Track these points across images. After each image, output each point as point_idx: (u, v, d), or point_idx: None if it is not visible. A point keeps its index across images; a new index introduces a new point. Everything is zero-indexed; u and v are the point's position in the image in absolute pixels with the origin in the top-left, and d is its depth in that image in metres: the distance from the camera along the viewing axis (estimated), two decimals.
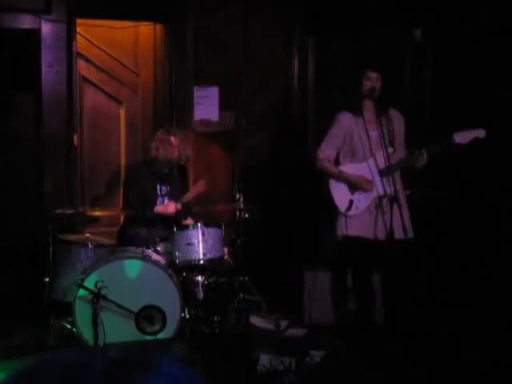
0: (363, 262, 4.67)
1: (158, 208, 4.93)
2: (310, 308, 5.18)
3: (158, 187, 5.03)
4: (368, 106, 4.65)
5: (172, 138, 4.97)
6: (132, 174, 5.11)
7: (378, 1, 6.15)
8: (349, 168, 4.69)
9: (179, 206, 4.96)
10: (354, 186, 4.64)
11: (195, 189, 5.18)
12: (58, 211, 4.58)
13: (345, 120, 4.72)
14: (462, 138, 4.35)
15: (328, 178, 4.74)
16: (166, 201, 5.03)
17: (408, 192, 4.85)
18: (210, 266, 4.79)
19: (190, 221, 5.03)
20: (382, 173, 4.54)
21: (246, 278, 5.33)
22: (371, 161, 4.60)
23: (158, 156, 4.98)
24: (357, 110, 4.68)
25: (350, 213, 4.62)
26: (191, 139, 5.89)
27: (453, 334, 4.65)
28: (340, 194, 4.68)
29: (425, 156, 4.45)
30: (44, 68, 5.51)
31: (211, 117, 6.07)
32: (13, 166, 5.78)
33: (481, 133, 4.37)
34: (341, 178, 4.68)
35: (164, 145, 4.95)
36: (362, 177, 4.61)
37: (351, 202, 4.63)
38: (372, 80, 4.59)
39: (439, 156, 4.47)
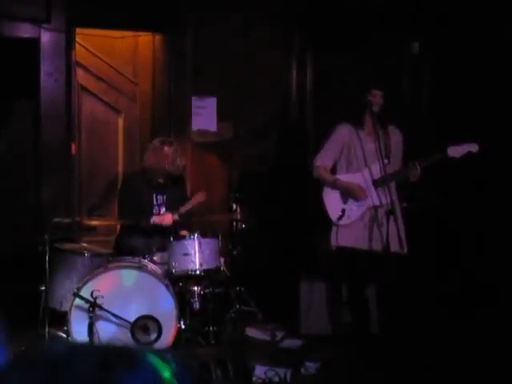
0: (357, 273, 4.68)
1: (155, 219, 4.92)
2: (306, 319, 5.18)
3: (154, 196, 5.03)
4: (367, 119, 4.70)
5: (165, 149, 4.94)
6: (128, 183, 5.12)
7: (376, 12, 6.18)
8: (344, 178, 4.72)
9: (176, 217, 4.94)
10: (347, 193, 4.66)
11: (195, 199, 5.16)
12: (55, 220, 4.58)
13: (343, 131, 4.76)
14: (456, 152, 4.38)
15: (322, 186, 4.76)
16: (163, 210, 5.03)
17: (405, 204, 4.86)
18: (207, 277, 4.79)
19: (185, 232, 5.02)
20: (377, 183, 4.56)
21: (243, 289, 5.33)
22: (366, 171, 4.63)
23: (151, 166, 4.97)
24: (357, 122, 4.73)
25: (341, 222, 4.63)
26: (188, 149, 5.91)
27: (450, 346, 4.65)
28: (332, 203, 4.70)
29: (418, 168, 4.47)
30: (43, 76, 5.52)
31: (209, 127, 6.08)
32: (10, 174, 5.78)
33: (474, 147, 4.39)
34: (335, 185, 4.71)
35: (157, 155, 4.94)
36: (356, 184, 4.64)
37: (343, 211, 4.65)
38: (376, 97, 4.65)
39: (433, 169, 4.49)
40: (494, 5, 5.45)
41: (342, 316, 5.09)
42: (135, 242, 4.91)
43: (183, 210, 5.02)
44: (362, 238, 4.58)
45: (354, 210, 4.63)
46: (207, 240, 4.75)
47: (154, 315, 4.26)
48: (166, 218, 4.90)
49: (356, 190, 4.62)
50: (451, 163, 4.49)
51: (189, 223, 5.12)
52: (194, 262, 4.67)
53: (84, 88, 6.29)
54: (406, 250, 4.43)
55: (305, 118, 6.40)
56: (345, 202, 4.67)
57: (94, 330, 4.05)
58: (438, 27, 5.90)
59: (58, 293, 4.40)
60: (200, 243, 4.70)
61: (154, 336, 4.25)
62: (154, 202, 5.02)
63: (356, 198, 4.63)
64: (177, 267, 4.65)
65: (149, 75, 6.55)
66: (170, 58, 6.11)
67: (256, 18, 6.18)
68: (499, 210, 5.37)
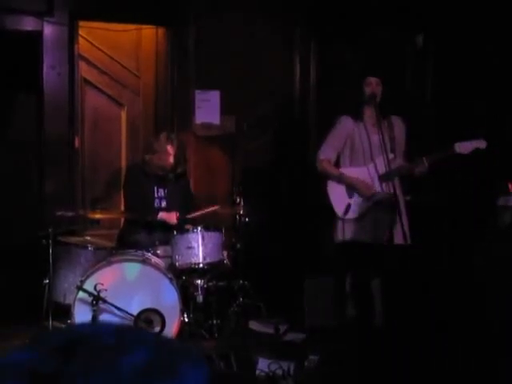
0: (361, 267, 4.67)
1: (162, 215, 4.91)
2: (310, 312, 5.18)
3: (156, 189, 5.02)
4: (369, 112, 4.66)
5: (169, 147, 4.92)
6: (131, 174, 5.12)
7: (380, 5, 6.16)
8: (348, 172, 4.69)
9: (181, 217, 4.93)
10: (353, 189, 4.64)
11: (208, 209, 5.06)
12: (59, 213, 4.58)
13: (346, 122, 4.73)
14: (463, 148, 4.36)
15: (327, 180, 4.74)
16: (164, 204, 5.02)
17: (408, 197, 4.86)
18: (210, 270, 4.79)
19: (189, 226, 5.01)
20: (382, 178, 4.54)
21: (246, 282, 5.33)
22: (371, 166, 4.61)
23: (153, 163, 4.96)
24: (358, 116, 4.69)
25: (346, 216, 4.62)
26: (191, 143, 5.90)
27: (453, 337, 4.65)
28: (337, 197, 4.68)
29: (425, 164, 4.45)
30: (46, 70, 5.52)
31: (212, 120, 6.07)
32: (14, 168, 5.78)
33: (482, 143, 4.37)
34: (341, 180, 4.68)
35: (160, 153, 4.91)
36: (363, 181, 4.61)
37: (348, 205, 4.63)
38: (372, 85, 4.60)
39: (439, 164, 4.48)
40: None
41: (345, 309, 5.08)
42: (138, 235, 4.91)
43: (192, 216, 5.00)
44: (367, 231, 4.57)
45: (359, 204, 4.62)
46: (210, 233, 4.74)
47: (158, 308, 4.26)
48: (171, 217, 4.88)
49: (362, 186, 4.60)
50: (455, 159, 4.47)
51: (194, 221, 5.09)
52: (198, 256, 4.67)
53: (87, 81, 6.28)
54: (409, 242, 4.42)
55: (308, 110, 6.39)
56: (350, 196, 4.65)
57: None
58: (443, 19, 5.88)
59: (62, 286, 4.40)
60: (203, 236, 4.69)
61: (157, 329, 4.25)
62: (155, 195, 5.00)
63: (362, 195, 4.61)
64: (180, 260, 4.65)
65: (152, 68, 6.54)
66: (173, 51, 6.10)
67: (258, 10, 6.16)
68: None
